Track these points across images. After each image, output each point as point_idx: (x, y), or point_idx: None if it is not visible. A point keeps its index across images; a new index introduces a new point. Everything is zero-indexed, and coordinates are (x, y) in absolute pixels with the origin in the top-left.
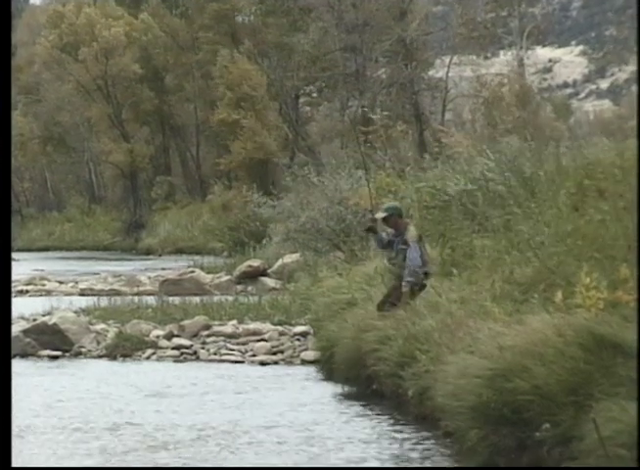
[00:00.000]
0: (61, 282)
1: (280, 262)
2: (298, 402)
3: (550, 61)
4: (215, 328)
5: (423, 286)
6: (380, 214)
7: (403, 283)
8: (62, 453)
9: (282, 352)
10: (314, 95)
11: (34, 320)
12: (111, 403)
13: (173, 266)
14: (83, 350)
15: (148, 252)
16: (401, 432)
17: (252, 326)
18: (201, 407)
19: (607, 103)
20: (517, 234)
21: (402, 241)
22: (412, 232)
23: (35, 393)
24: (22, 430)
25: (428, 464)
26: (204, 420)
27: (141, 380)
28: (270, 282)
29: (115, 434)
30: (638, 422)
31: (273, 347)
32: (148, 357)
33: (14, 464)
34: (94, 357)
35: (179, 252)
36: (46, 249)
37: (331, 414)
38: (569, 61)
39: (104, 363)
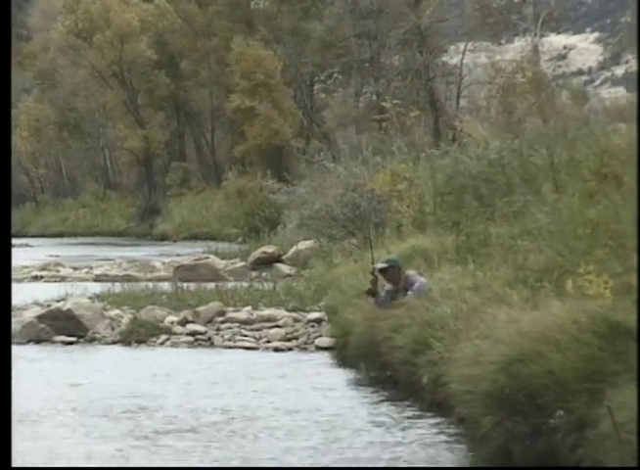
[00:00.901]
0: (75, 268)
1: (294, 249)
2: (314, 388)
3: (565, 48)
4: (230, 314)
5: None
6: (380, 265)
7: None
8: (79, 437)
9: (296, 338)
10: (329, 82)
11: (48, 306)
12: (126, 388)
13: (188, 252)
14: (98, 335)
15: (162, 238)
16: (416, 418)
17: (267, 312)
18: (216, 393)
19: (621, 90)
20: (531, 221)
21: (404, 290)
22: (411, 271)
23: (50, 378)
24: (38, 413)
25: (442, 449)
26: (220, 405)
27: (156, 365)
28: (285, 268)
29: (134, 418)
30: (638, 421)
31: (287, 333)
32: (162, 343)
33: (32, 447)
34: (108, 343)
35: (194, 238)
36: (60, 235)
37: (347, 400)
38: (584, 48)
39: (118, 349)
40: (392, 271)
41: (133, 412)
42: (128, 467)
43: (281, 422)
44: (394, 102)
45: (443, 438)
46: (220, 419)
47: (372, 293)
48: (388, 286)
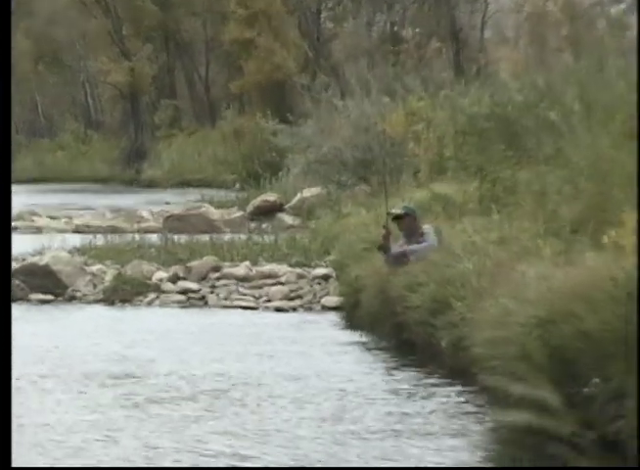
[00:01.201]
0: (53, 218)
1: (299, 197)
2: (321, 352)
3: None
4: (226, 270)
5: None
6: (395, 211)
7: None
8: (63, 407)
9: (300, 297)
10: (338, 9)
11: (23, 260)
12: (111, 352)
13: (179, 201)
14: (78, 293)
15: (150, 184)
16: (435, 385)
17: (268, 268)
18: (213, 357)
19: None
20: (564, 166)
21: (416, 240)
22: (431, 232)
23: (26, 340)
24: (18, 380)
25: (466, 420)
26: (218, 371)
27: (144, 327)
28: (287, 219)
29: (122, 385)
30: (638, 422)
31: (290, 291)
32: (150, 303)
33: (14, 418)
34: (90, 302)
35: (185, 184)
36: (36, 180)
37: (357, 366)
38: None
39: (100, 309)
40: (408, 220)
41: (120, 379)
42: (129, 467)
43: (286, 389)
44: (416, 30)
45: (466, 408)
46: (218, 386)
47: (384, 249)
48: (401, 241)
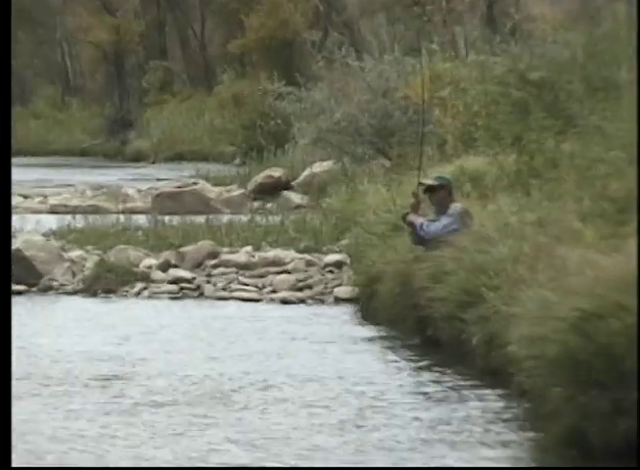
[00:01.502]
0: (25, 196)
1: (308, 172)
2: (334, 350)
3: None
4: (224, 256)
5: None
6: (428, 181)
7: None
8: (43, 413)
9: (310, 287)
10: None
11: None
12: (94, 350)
13: (171, 177)
14: (55, 283)
15: (138, 157)
16: (465, 388)
17: (272, 254)
18: (211, 356)
19: None
20: (614, 137)
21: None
22: (457, 206)
23: None
24: None
25: (502, 429)
26: (217, 371)
27: (131, 321)
28: (295, 197)
29: (108, 387)
30: (639, 422)
31: (298, 280)
32: (138, 293)
33: None
34: (68, 293)
35: (178, 158)
36: None
37: (377, 365)
38: None
39: (81, 301)
40: (442, 193)
41: (106, 380)
42: (128, 467)
43: (296, 392)
44: None
45: (502, 414)
46: (218, 389)
47: (411, 222)
48: (432, 216)
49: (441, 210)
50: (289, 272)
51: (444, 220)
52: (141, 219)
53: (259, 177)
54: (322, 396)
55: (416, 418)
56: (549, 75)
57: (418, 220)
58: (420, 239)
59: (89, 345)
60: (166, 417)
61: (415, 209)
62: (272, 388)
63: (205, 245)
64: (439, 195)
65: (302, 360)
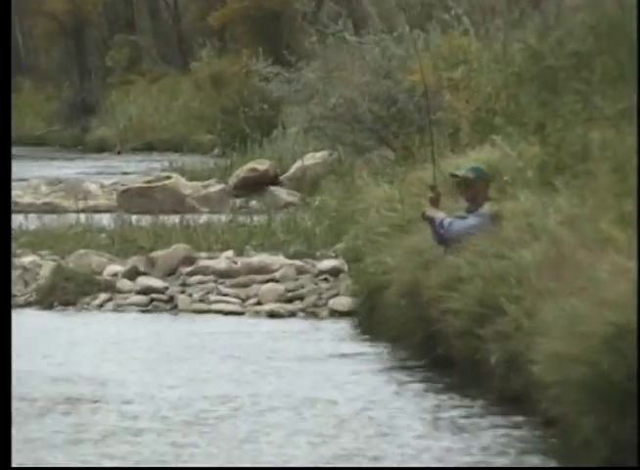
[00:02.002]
0: None
1: (299, 165)
2: (330, 372)
3: None
4: (202, 262)
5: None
6: (463, 172)
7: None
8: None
9: (301, 298)
10: None
11: None
12: (52, 372)
13: (139, 170)
14: None
15: (101, 147)
16: (482, 415)
17: (257, 260)
18: (188, 377)
19: None
20: None
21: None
22: (491, 205)
23: None
24: None
25: (525, 461)
26: (197, 395)
27: (93, 338)
28: (284, 194)
29: (68, 414)
30: (638, 422)
31: (288, 290)
32: (101, 306)
33: None
34: (20, 306)
35: (148, 148)
36: None
37: (381, 388)
38: None
39: (35, 314)
40: (479, 187)
41: (68, 405)
42: (128, 467)
43: (291, 418)
44: None
45: (525, 445)
46: (200, 416)
47: (430, 218)
48: (460, 212)
49: (474, 207)
50: (277, 281)
51: (472, 220)
52: (105, 219)
53: (242, 171)
54: (320, 422)
55: (427, 448)
56: (578, 52)
57: (438, 215)
58: (440, 238)
59: (46, 364)
60: (140, 447)
61: (435, 204)
62: (264, 413)
63: (180, 249)
64: (475, 189)
65: (295, 382)
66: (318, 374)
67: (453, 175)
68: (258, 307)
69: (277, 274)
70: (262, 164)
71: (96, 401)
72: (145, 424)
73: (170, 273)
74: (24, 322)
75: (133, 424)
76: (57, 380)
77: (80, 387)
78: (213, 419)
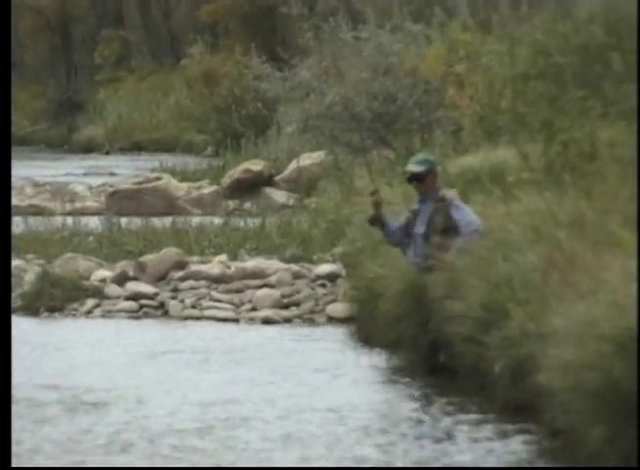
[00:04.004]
0: None
1: (294, 165)
2: (327, 381)
3: None
4: (194, 267)
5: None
6: (413, 167)
7: (454, 249)
8: None
9: (297, 304)
10: None
11: None
12: (36, 383)
13: (128, 171)
14: None
15: (88, 147)
16: (486, 426)
17: (252, 264)
18: (180, 390)
19: None
20: None
21: (437, 201)
22: (452, 192)
23: None
24: None
25: None
26: (191, 410)
27: (80, 346)
28: (279, 196)
29: (74, 421)
30: (638, 422)
31: (283, 296)
32: (88, 312)
33: None
34: None
35: (137, 148)
36: None
37: (381, 398)
38: None
39: (20, 321)
40: (430, 179)
41: (69, 411)
42: (128, 467)
43: (285, 430)
44: None
45: (529, 457)
46: (192, 428)
47: (379, 221)
48: (414, 209)
49: (427, 195)
50: (272, 286)
51: (463, 211)
52: (93, 222)
53: (236, 171)
54: (314, 435)
55: (434, 460)
56: (588, 47)
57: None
58: (398, 241)
59: (30, 374)
60: (138, 459)
61: (378, 206)
62: (257, 428)
63: (171, 253)
64: (428, 183)
65: (292, 392)
66: (310, 383)
67: (404, 172)
68: (253, 314)
69: (272, 279)
70: (257, 165)
71: (92, 412)
72: (134, 435)
73: (161, 278)
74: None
75: (127, 437)
76: (39, 390)
77: (64, 395)
78: (196, 437)
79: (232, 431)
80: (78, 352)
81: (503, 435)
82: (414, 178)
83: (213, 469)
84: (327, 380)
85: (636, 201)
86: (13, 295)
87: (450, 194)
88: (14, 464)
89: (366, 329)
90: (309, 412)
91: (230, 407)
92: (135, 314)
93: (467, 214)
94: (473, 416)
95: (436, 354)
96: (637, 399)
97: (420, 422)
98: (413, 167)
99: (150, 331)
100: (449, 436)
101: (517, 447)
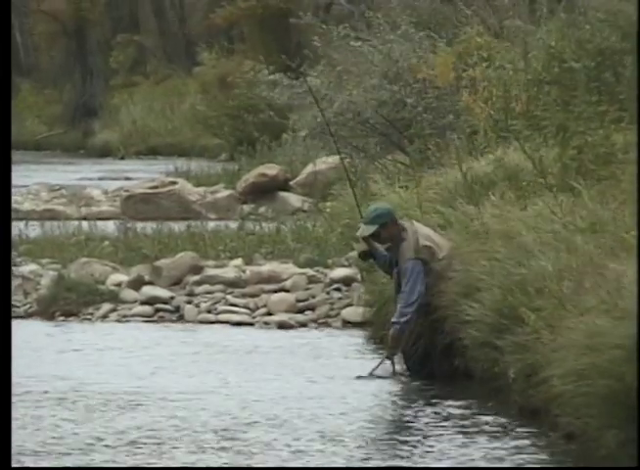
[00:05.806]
0: None
1: (309, 169)
2: (343, 385)
3: None
4: (209, 271)
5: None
6: (365, 229)
7: (393, 324)
8: None
9: (312, 308)
10: None
11: None
12: (51, 389)
13: (144, 175)
14: None
15: (104, 152)
16: (502, 430)
17: (267, 269)
18: (203, 394)
19: None
20: None
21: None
22: (409, 242)
23: None
24: None
25: None
26: (213, 414)
27: (97, 351)
28: (294, 200)
29: (66, 428)
30: (638, 422)
31: (299, 300)
32: (104, 317)
33: None
34: (20, 316)
35: (152, 152)
36: None
37: (398, 403)
38: None
39: (36, 325)
40: (389, 229)
41: (103, 412)
42: (129, 467)
43: (302, 433)
44: None
45: (542, 460)
46: (224, 436)
47: (370, 255)
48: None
49: (396, 243)
50: (287, 291)
51: (408, 278)
52: (108, 227)
53: (251, 176)
54: (338, 442)
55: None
56: (605, 50)
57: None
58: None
59: (45, 380)
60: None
61: (369, 242)
62: (261, 426)
63: (186, 258)
64: (388, 232)
65: (309, 397)
66: (327, 388)
67: (364, 238)
68: (268, 318)
69: (287, 284)
70: (272, 169)
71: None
72: (159, 440)
73: (176, 283)
74: (23, 333)
75: (155, 439)
76: (56, 398)
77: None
78: (213, 444)
79: (270, 430)
80: (101, 354)
81: (517, 438)
82: (371, 238)
83: (213, 469)
84: (342, 383)
85: (636, 201)
86: (28, 299)
87: (406, 248)
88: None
89: (381, 333)
90: (321, 419)
91: (258, 407)
92: (150, 318)
93: (408, 282)
94: (488, 419)
95: (451, 359)
96: (637, 399)
97: (435, 426)
98: (364, 232)
99: (166, 335)
100: (463, 438)
101: (530, 451)
